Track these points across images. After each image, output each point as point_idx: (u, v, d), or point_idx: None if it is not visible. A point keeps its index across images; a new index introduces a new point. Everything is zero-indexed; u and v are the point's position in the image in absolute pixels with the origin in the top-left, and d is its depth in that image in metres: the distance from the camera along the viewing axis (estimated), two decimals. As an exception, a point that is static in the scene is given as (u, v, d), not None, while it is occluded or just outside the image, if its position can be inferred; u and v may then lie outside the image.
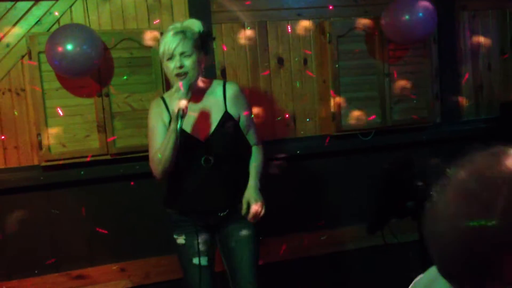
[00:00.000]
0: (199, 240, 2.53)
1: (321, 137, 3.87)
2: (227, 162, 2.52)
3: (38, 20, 3.36)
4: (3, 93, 3.35)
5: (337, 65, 3.75)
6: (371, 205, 3.12)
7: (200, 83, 2.55)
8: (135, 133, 3.40)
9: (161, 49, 2.46)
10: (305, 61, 3.88)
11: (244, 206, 2.48)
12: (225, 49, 3.68)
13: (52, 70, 3.22)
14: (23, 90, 3.38)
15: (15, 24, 3.33)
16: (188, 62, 2.43)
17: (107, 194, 3.50)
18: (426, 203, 0.90)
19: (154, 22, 3.53)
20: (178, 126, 2.33)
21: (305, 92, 3.88)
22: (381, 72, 3.86)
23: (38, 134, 3.29)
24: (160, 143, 2.46)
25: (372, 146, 3.89)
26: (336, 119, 3.78)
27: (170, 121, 2.45)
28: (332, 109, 3.79)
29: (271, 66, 3.81)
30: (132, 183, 3.46)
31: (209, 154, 2.48)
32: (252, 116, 2.71)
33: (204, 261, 2.57)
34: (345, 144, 3.88)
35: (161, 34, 2.78)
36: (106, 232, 3.42)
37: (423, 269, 1.14)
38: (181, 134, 2.39)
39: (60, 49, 3.09)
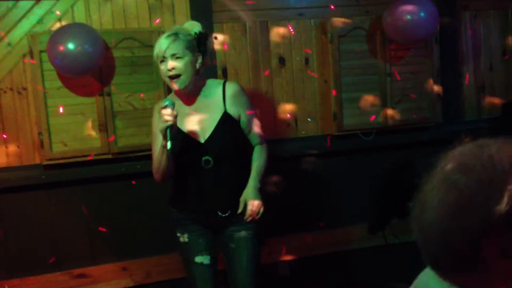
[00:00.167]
0: (202, 240, 2.53)
1: (322, 137, 3.87)
2: (227, 162, 2.51)
3: (40, 19, 3.37)
4: (5, 92, 3.36)
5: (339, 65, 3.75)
6: (372, 205, 3.12)
7: (199, 83, 2.54)
8: (137, 132, 3.40)
9: (155, 52, 2.45)
10: (307, 61, 3.88)
11: (241, 205, 2.48)
12: (226, 49, 3.68)
13: (54, 69, 3.23)
14: (25, 89, 3.38)
15: (16, 23, 3.34)
16: (180, 64, 2.40)
17: (108, 193, 3.51)
18: (416, 193, 0.92)
19: (155, 22, 3.54)
20: (168, 147, 2.31)
21: (306, 92, 3.89)
22: (383, 72, 3.85)
23: (40, 133, 3.30)
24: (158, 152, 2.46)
25: (374, 146, 3.88)
26: (338, 119, 3.78)
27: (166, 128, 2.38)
28: (333, 109, 3.79)
29: (272, 65, 3.81)
30: (133, 182, 3.46)
31: (208, 155, 2.48)
32: (255, 114, 2.69)
33: (206, 260, 2.56)
34: (346, 144, 3.88)
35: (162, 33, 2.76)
36: (105, 230, 3.42)
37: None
38: (180, 135, 2.38)
39: (61, 48, 3.09)
